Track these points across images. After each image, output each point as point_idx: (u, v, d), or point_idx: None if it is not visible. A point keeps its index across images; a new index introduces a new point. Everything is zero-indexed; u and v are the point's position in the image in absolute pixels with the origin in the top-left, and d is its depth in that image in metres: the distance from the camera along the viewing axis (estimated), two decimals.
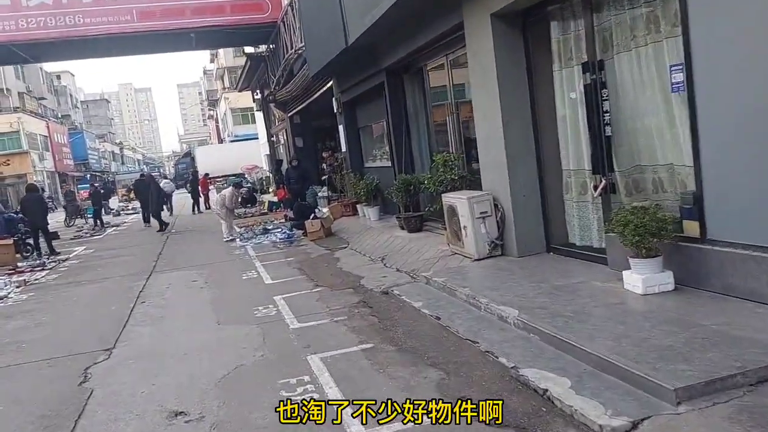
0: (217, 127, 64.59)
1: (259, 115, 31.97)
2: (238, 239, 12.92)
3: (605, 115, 5.61)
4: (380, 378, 4.23)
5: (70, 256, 13.66)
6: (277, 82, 21.83)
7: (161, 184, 28.33)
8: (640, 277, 4.82)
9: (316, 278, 8.04)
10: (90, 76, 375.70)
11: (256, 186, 28.86)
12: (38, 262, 12.55)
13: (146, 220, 18.78)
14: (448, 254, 7.59)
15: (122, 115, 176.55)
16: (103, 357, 5.52)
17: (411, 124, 10.70)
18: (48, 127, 53.07)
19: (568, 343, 4.07)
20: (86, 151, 64.49)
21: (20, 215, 18.98)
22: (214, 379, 4.57)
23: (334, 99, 14.14)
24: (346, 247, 10.32)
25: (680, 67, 4.81)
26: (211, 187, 32.27)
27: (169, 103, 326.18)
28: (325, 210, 13.18)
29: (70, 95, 71.87)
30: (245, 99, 44.84)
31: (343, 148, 14.40)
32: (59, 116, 63.23)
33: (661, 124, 5.28)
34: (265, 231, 13.83)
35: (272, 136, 29.34)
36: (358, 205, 13.23)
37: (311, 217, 12.14)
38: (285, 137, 25.72)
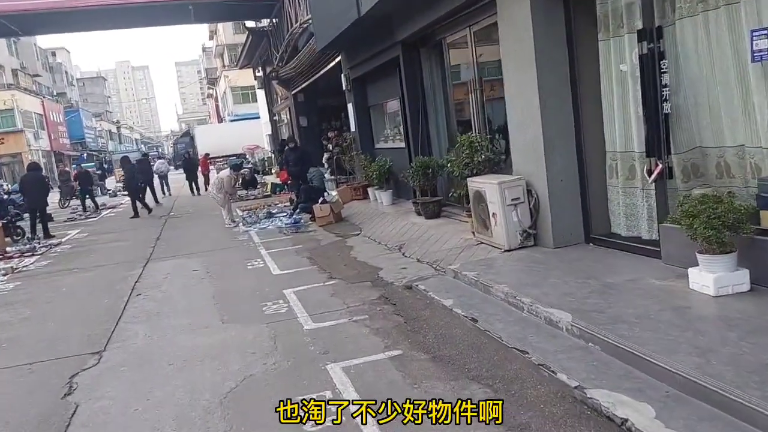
0: (217, 106, 63.52)
1: (260, 94, 31.06)
2: (241, 224, 12.25)
3: (663, 90, 4.91)
4: (415, 395, 3.60)
5: (63, 240, 13.00)
6: (280, 58, 20.98)
7: (155, 165, 27.69)
8: (711, 276, 4.17)
9: (329, 269, 7.39)
10: (86, 54, 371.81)
11: (257, 167, 28.12)
12: (28, 246, 11.89)
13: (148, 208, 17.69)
14: (474, 244, 6.93)
15: (120, 93, 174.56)
16: (92, 362, 4.88)
17: (428, 102, 9.96)
18: (43, 105, 52.05)
19: (641, 357, 3.43)
20: (83, 129, 63.42)
21: (13, 196, 18.44)
22: (219, 394, 3.93)
23: (342, 75, 13.36)
24: (358, 234, 9.66)
25: (765, 32, 4.11)
26: (211, 167, 31.52)
27: (167, 81, 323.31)
28: (333, 193, 12.49)
29: (66, 72, 70.61)
30: (246, 77, 43.86)
31: (353, 128, 13.65)
32: (54, 94, 62.08)
33: (731, 99, 4.59)
34: (270, 215, 13.16)
35: (275, 116, 28.51)
36: (369, 189, 12.53)
37: (320, 201, 11.45)
38: (288, 116, 24.91)
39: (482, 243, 6.81)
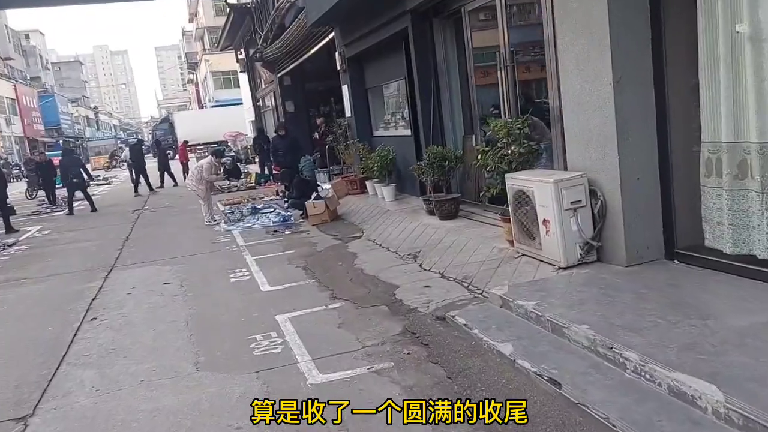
0: (198, 91, 61.36)
1: (243, 78, 29.32)
2: (222, 222, 10.77)
3: None
4: None
5: (20, 239, 11.39)
6: (264, 37, 19.36)
7: (125, 152, 26.02)
8: None
9: (331, 285, 5.99)
10: (63, 38, 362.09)
11: (240, 155, 26.47)
12: None
13: (136, 189, 18.72)
14: (513, 256, 5.58)
15: (98, 78, 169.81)
16: None
17: (441, 83, 8.54)
18: (16, 90, 49.53)
19: None
20: (58, 115, 60.80)
21: None
22: None
23: (337, 54, 11.86)
24: (360, 237, 8.25)
25: None
26: (191, 155, 29.74)
27: (147, 67, 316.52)
28: (327, 187, 11.06)
29: (40, 56, 67.56)
30: (227, 62, 41.97)
31: (348, 113, 12.18)
32: (28, 78, 59.29)
33: None
34: (255, 211, 11.70)
35: (258, 101, 26.82)
36: (367, 182, 11.11)
37: (313, 196, 10.01)
38: (273, 101, 23.29)
39: (524, 255, 5.46)
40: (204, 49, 51.50)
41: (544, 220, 5.04)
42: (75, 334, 5.21)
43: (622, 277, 4.53)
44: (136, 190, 18.76)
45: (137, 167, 19.20)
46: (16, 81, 51.72)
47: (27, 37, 64.92)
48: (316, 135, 16.26)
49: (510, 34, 6.68)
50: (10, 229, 12.21)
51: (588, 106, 4.86)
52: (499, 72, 6.90)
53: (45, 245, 10.48)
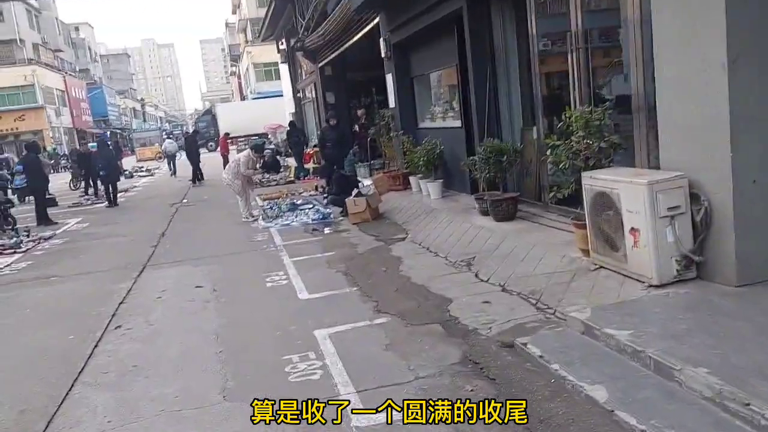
0: (240, 83, 61.81)
1: (284, 69, 28.95)
2: (260, 218, 10.27)
3: None
4: None
5: (57, 232, 11.19)
6: (306, 26, 18.85)
7: (164, 143, 26.81)
8: None
9: (375, 295, 5.34)
10: (112, 32, 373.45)
11: (280, 148, 26.13)
12: (13, 241, 10.09)
13: (199, 178, 18.95)
14: (589, 267, 4.80)
15: (145, 71, 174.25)
16: None
17: (498, 70, 7.75)
18: (65, 81, 50.83)
19: None
20: (106, 107, 62.29)
21: (17, 179, 16.82)
22: None
23: (381, 40, 11.17)
24: (405, 239, 7.58)
25: None
26: (232, 147, 29.63)
27: (192, 60, 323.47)
28: (367, 182, 10.42)
29: (89, 48, 69.35)
30: (269, 53, 41.90)
31: (392, 104, 11.49)
32: (77, 70, 60.88)
33: None
34: (293, 207, 11.17)
35: (298, 92, 26.42)
36: (411, 178, 10.42)
37: (353, 193, 9.38)
38: (314, 93, 22.80)
39: (603, 268, 4.67)
40: (246, 41, 51.67)
41: (632, 228, 4.24)
42: (96, 346, 4.73)
43: (733, 301, 3.71)
44: (194, 180, 18.87)
45: (192, 158, 19.20)
46: (66, 73, 53.07)
47: (77, 29, 66.68)
48: (356, 127, 15.63)
49: (583, 12, 5.86)
50: (47, 221, 12.09)
51: (690, 93, 4.03)
52: (569, 56, 6.09)
53: (81, 239, 10.22)
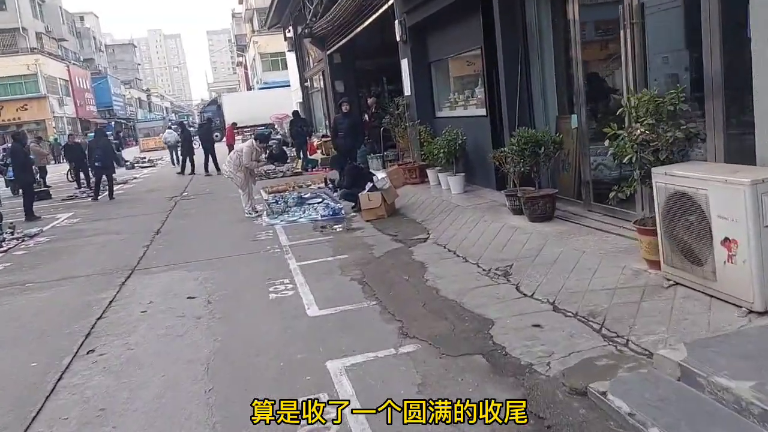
0: (246, 74, 60.98)
1: (291, 58, 28.03)
2: (264, 214, 9.43)
3: None
4: None
5: (44, 229, 10.39)
6: (314, 12, 17.95)
7: (164, 134, 26.17)
8: None
9: (399, 311, 4.49)
10: (118, 23, 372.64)
11: (286, 138, 25.25)
12: None
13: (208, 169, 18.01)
14: (661, 284, 3.93)
15: (151, 62, 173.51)
16: None
17: (531, 51, 6.83)
18: (69, 71, 50.10)
19: None
20: (111, 96, 61.58)
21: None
22: None
23: (396, 23, 10.25)
24: (426, 239, 6.72)
25: None
26: (238, 138, 28.77)
27: (198, 50, 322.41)
28: (381, 175, 9.54)
29: (94, 38, 68.59)
30: (275, 43, 41.03)
31: (407, 91, 10.59)
32: (81, 60, 60.11)
33: None
34: (301, 201, 10.34)
35: (306, 81, 25.52)
36: (429, 171, 9.55)
37: (367, 186, 8.51)
38: (321, 82, 21.90)
39: (680, 285, 3.80)
40: (253, 31, 50.86)
41: (726, 239, 3.36)
42: (60, 378, 3.90)
43: None
44: (206, 170, 18.17)
45: (206, 147, 18.61)
46: (70, 62, 52.31)
47: (81, 19, 65.90)
48: (366, 117, 14.73)
49: None
50: (31, 216, 11.31)
51: None
52: (621, 32, 5.17)
53: (68, 237, 9.41)
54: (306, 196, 10.93)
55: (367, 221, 8.20)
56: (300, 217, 9.03)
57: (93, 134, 16.12)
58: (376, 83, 19.53)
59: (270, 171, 15.79)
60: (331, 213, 8.92)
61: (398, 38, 10.35)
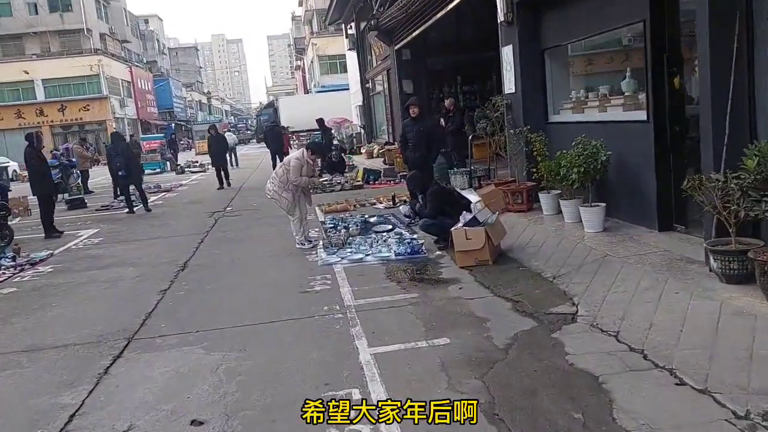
0: (304, 77, 59.95)
1: (351, 57, 25.97)
2: (320, 247, 7.18)
3: None
4: None
5: (57, 251, 8.48)
6: (381, 1, 15.74)
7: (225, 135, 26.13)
8: None
9: None
10: (183, 27, 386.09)
11: (344, 144, 23.13)
12: None
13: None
14: None
15: (213, 66, 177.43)
16: None
17: (759, 20, 4.22)
18: (131, 72, 50.17)
19: None
20: (172, 99, 61.75)
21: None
22: None
23: (499, 1, 7.80)
24: (575, 317, 4.20)
25: None
26: (293, 142, 26.97)
27: (259, 55, 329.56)
28: (474, 199, 7.10)
29: (157, 40, 69.34)
30: (334, 45, 39.48)
31: (509, 88, 8.10)
32: (144, 61, 60.56)
33: None
34: (365, 226, 8.08)
35: (367, 82, 23.37)
36: (541, 195, 7.05)
37: (463, 218, 6.06)
38: (385, 82, 19.70)
39: None
40: (312, 33, 49.68)
41: None
42: None
43: None
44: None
45: (274, 150, 17.42)
46: (133, 63, 52.48)
47: (146, 21, 66.68)
48: (442, 121, 12.32)
49: None
50: (51, 232, 9.56)
51: None
52: None
53: (75, 268, 7.42)
54: (372, 220, 8.63)
55: (462, 267, 5.79)
56: (367, 254, 6.71)
57: (111, 138, 14.06)
58: (448, 83, 17.15)
59: (326, 182, 13.59)
60: (408, 251, 6.55)
61: (500, 19, 7.89)
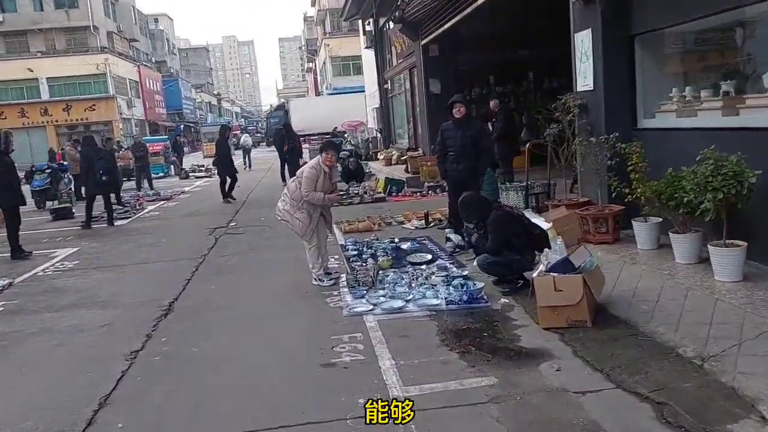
0: (315, 79, 58.60)
1: (368, 56, 24.33)
2: (346, 285, 5.53)
3: None
4: None
5: (18, 280, 6.89)
6: None
7: (242, 139, 26.09)
8: None
9: None
10: (194, 29, 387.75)
11: (359, 149, 21.40)
12: None
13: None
14: None
15: (224, 67, 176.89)
16: None
17: None
18: (139, 72, 48.91)
19: None
20: (181, 100, 60.56)
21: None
22: None
23: None
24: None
25: None
26: (305, 146, 25.32)
27: (270, 57, 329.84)
28: (545, 225, 5.42)
29: (167, 40, 68.20)
30: (347, 46, 38.04)
31: (584, 85, 6.41)
32: (153, 61, 59.37)
33: None
34: (398, 254, 6.46)
35: (385, 83, 21.73)
36: (635, 222, 5.36)
37: (546, 260, 4.39)
38: (407, 82, 18.06)
39: None
40: (324, 33, 48.33)
41: None
42: None
43: None
44: (284, 179, 14.48)
45: (282, 155, 15.66)
46: (141, 63, 51.24)
47: (156, 21, 65.52)
48: (489, 126, 10.59)
49: None
50: (17, 253, 7.99)
51: None
52: None
53: (30, 307, 5.78)
54: (405, 246, 6.99)
55: (546, 329, 4.13)
56: (407, 299, 5.05)
57: (82, 141, 12.22)
58: (479, 84, 15.49)
59: (343, 193, 11.92)
60: (465, 299, 4.87)
61: (574, 1, 6.23)
